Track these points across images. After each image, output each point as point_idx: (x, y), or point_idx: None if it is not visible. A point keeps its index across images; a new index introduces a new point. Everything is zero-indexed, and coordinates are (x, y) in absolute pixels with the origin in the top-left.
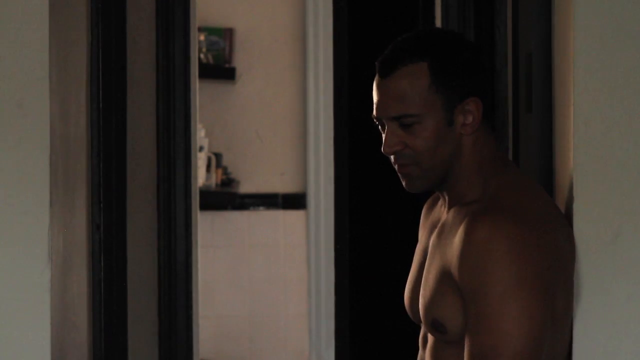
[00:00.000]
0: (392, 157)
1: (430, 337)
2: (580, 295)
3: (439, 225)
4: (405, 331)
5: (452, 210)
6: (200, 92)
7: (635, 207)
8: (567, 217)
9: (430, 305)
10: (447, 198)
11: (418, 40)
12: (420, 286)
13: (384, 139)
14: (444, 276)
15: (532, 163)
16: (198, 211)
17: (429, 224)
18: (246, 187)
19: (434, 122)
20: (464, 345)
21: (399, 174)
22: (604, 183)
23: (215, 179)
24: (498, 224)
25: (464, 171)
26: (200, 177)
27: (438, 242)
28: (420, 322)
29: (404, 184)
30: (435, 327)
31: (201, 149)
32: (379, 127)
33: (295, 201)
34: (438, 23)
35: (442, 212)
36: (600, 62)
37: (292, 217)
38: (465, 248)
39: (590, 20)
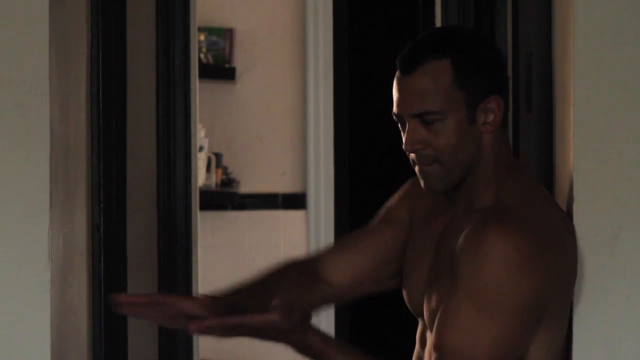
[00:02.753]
0: (412, 155)
1: (431, 339)
2: (580, 295)
3: (447, 225)
4: (405, 331)
5: (463, 216)
6: (200, 92)
7: (635, 207)
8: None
9: (436, 309)
10: (459, 197)
11: (440, 37)
12: (415, 278)
13: (405, 137)
14: (450, 278)
15: (532, 163)
16: (198, 211)
17: (428, 213)
18: (246, 187)
19: (457, 120)
20: None
21: (417, 173)
22: (604, 183)
23: (215, 179)
24: (508, 231)
25: (481, 172)
26: (200, 177)
27: (445, 245)
28: (417, 313)
29: (422, 183)
30: None
31: (201, 149)
32: (399, 125)
33: (295, 201)
34: (438, 23)
35: (446, 210)
36: (600, 62)
37: (292, 217)
38: (469, 246)
39: (590, 20)
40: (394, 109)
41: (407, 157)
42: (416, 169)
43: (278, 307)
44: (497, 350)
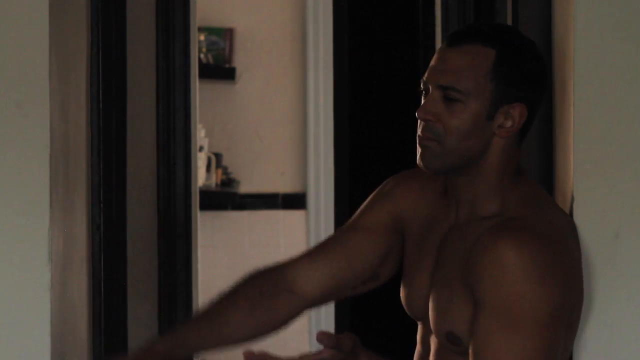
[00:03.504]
0: (420, 127)
1: (435, 343)
2: None
3: (448, 231)
4: (405, 331)
5: (466, 221)
6: (200, 92)
7: (635, 207)
8: None
9: (444, 317)
10: (460, 203)
11: (498, 29)
12: (417, 283)
13: (422, 103)
14: (462, 291)
15: (532, 163)
16: (198, 211)
17: (427, 218)
18: (246, 187)
19: (476, 109)
20: None
21: (418, 145)
22: (604, 183)
23: (215, 179)
24: (524, 243)
25: (483, 175)
26: (200, 177)
27: (450, 252)
28: (417, 318)
29: (418, 156)
30: (450, 339)
31: (201, 149)
32: (423, 94)
33: (295, 201)
34: (438, 23)
35: (447, 213)
36: (600, 62)
37: (292, 217)
38: (487, 262)
39: (590, 20)
40: (425, 75)
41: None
42: (418, 139)
43: (323, 340)
44: None
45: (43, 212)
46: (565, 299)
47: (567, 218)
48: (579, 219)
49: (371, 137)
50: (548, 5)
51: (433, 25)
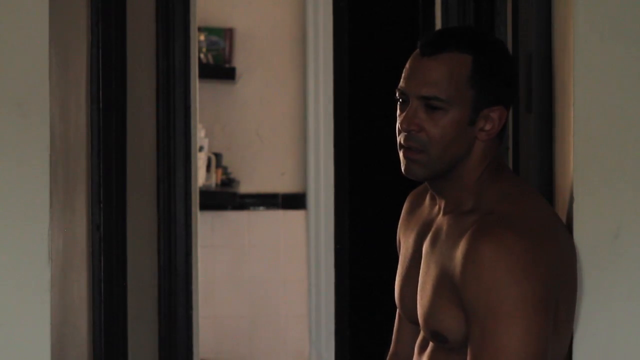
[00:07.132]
0: (401, 136)
1: (430, 344)
2: (580, 295)
3: (432, 230)
4: None
5: (447, 218)
6: (200, 92)
7: (635, 207)
8: (567, 218)
9: (430, 316)
10: (442, 202)
11: (468, 33)
12: (409, 286)
13: (403, 114)
14: (445, 288)
15: (532, 163)
16: (198, 211)
17: (417, 224)
18: (246, 187)
19: (458, 116)
20: (465, 352)
21: (401, 156)
22: (604, 183)
23: (215, 179)
24: (501, 240)
25: (465, 176)
26: (200, 177)
27: (433, 250)
28: (414, 321)
29: (402, 167)
30: (436, 337)
31: (201, 149)
32: (399, 102)
33: (295, 201)
34: (438, 23)
35: (432, 214)
36: (600, 62)
37: (292, 217)
38: (469, 266)
39: (590, 20)
40: (402, 84)
41: None
42: (401, 153)
43: None
44: (531, 351)
45: (43, 212)
46: (551, 288)
47: (550, 211)
48: (579, 219)
49: (371, 137)
50: (548, 5)
51: (433, 25)
